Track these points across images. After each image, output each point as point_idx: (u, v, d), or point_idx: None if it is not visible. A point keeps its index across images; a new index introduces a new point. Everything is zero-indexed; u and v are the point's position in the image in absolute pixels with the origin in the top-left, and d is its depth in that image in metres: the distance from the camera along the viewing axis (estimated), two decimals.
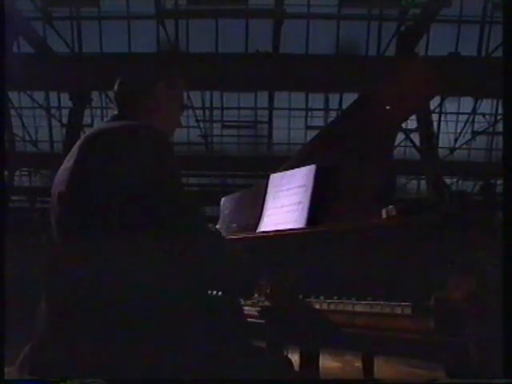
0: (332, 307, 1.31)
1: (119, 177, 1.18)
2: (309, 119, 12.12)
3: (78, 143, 1.31)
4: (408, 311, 1.14)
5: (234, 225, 2.02)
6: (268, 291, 1.43)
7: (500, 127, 10.53)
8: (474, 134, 11.44)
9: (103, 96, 11.03)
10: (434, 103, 10.18)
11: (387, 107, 1.77)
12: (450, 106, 11.44)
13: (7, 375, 1.30)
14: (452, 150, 11.20)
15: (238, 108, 12.22)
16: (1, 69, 1.82)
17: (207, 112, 12.20)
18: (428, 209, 1.30)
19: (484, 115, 11.43)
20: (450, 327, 1.06)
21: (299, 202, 1.72)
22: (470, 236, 1.15)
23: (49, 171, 11.72)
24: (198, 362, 1.17)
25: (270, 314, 1.46)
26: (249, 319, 1.50)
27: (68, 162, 1.29)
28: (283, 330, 1.45)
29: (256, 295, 1.48)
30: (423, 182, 11.67)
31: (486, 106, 11.29)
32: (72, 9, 10.13)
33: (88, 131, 1.37)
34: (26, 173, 13.14)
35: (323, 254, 1.48)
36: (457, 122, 11.71)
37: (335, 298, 1.32)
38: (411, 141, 9.78)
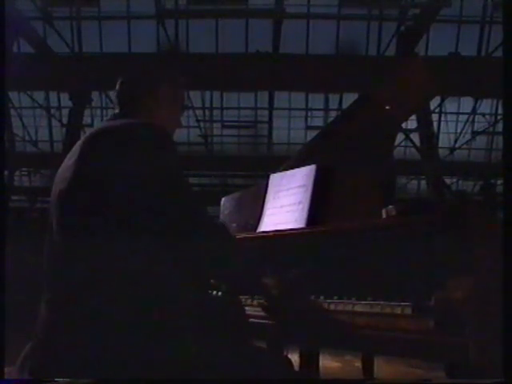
0: (332, 307, 1.31)
1: (122, 175, 1.18)
2: (309, 119, 12.13)
3: (80, 142, 1.30)
4: (408, 311, 1.14)
5: (234, 225, 2.01)
6: (268, 291, 1.43)
7: (500, 127, 10.53)
8: (474, 133, 11.44)
9: (103, 96, 11.03)
10: (434, 103, 10.18)
11: (387, 107, 1.77)
12: (450, 106, 11.45)
13: (7, 375, 1.30)
14: (452, 149, 11.20)
15: (238, 108, 12.23)
16: (1, 69, 1.82)
17: (207, 112, 12.20)
18: (428, 209, 1.30)
19: (484, 115, 11.43)
20: (450, 327, 1.06)
21: (299, 202, 1.72)
22: (470, 236, 1.15)
23: (49, 171, 11.72)
24: (198, 362, 1.17)
25: (270, 313, 1.46)
26: (249, 319, 1.50)
27: (69, 161, 1.28)
28: (283, 329, 1.45)
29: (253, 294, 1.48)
30: (423, 182, 11.68)
31: (486, 106, 11.31)
32: (72, 9, 10.13)
33: (90, 130, 1.37)
34: (26, 173, 13.14)
35: (323, 253, 1.48)
36: (457, 121, 11.71)
37: (335, 297, 1.32)
38: (411, 141, 9.79)
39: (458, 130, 11.46)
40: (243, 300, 1.53)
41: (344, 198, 1.62)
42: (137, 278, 1.15)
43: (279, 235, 1.65)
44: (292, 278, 1.46)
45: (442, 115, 11.65)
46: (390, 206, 1.38)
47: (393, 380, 2.34)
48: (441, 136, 11.53)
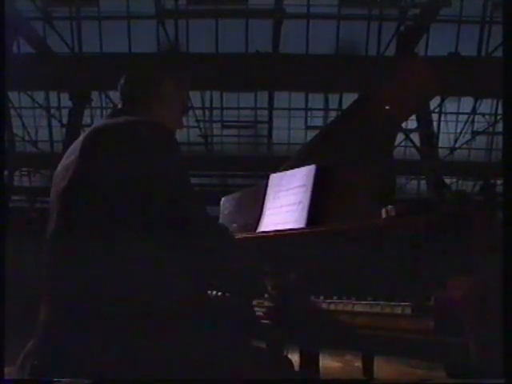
0: (332, 307, 1.31)
1: (123, 174, 1.17)
2: (309, 119, 12.13)
3: (81, 139, 1.29)
4: (408, 311, 1.14)
5: (234, 225, 2.01)
6: (268, 291, 1.43)
7: (500, 127, 10.53)
8: (474, 133, 11.44)
9: (103, 96, 11.02)
10: (434, 103, 10.18)
11: (387, 107, 1.77)
12: (450, 106, 11.45)
13: (7, 375, 1.30)
14: (452, 149, 11.20)
15: (238, 108, 12.23)
16: (1, 69, 1.82)
17: (207, 112, 12.20)
18: (428, 209, 1.30)
19: (484, 115, 11.43)
20: (450, 327, 1.06)
21: (299, 202, 1.72)
22: (470, 236, 1.15)
23: (49, 171, 11.72)
24: (198, 362, 1.17)
25: (270, 313, 1.46)
26: (249, 319, 1.50)
27: (69, 158, 1.27)
28: (283, 329, 1.45)
29: (258, 295, 1.48)
30: (423, 182, 11.68)
31: (486, 106, 11.30)
32: (72, 9, 10.13)
33: (91, 126, 1.35)
34: (26, 173, 13.14)
35: (323, 253, 1.48)
36: (457, 121, 11.71)
37: (335, 297, 1.32)
38: (411, 141, 9.79)
39: (458, 130, 11.46)
40: (243, 300, 1.53)
41: (344, 197, 1.62)
42: (137, 277, 1.15)
43: (279, 235, 1.65)
44: (292, 278, 1.46)
45: (442, 115, 11.65)
46: (390, 206, 1.38)
47: (393, 380, 2.34)
48: (441, 136, 11.53)
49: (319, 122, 11.90)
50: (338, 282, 1.39)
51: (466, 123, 11.28)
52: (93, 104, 11.18)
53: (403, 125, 7.70)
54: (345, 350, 3.33)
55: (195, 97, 11.29)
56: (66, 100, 10.74)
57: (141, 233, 1.15)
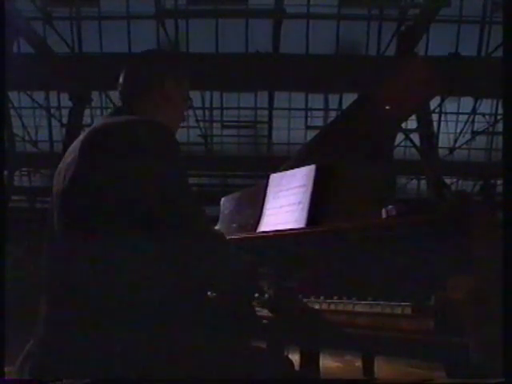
0: (332, 307, 1.31)
1: (124, 173, 1.16)
2: (309, 119, 12.12)
3: (81, 138, 1.28)
4: (408, 311, 1.14)
5: (234, 225, 2.01)
6: (268, 291, 1.43)
7: (500, 127, 10.53)
8: (474, 133, 11.44)
9: (103, 96, 11.02)
10: (434, 103, 10.18)
11: (387, 107, 1.77)
12: (450, 106, 11.44)
13: (7, 375, 1.30)
14: (452, 149, 11.20)
15: (238, 108, 12.22)
16: (1, 69, 1.82)
17: (207, 112, 12.19)
18: (428, 209, 1.30)
19: (484, 115, 11.43)
20: (450, 327, 1.06)
21: (299, 202, 1.72)
22: (470, 236, 1.15)
23: (49, 171, 11.72)
24: (198, 362, 1.17)
25: (270, 313, 1.45)
26: (249, 319, 1.50)
27: (69, 158, 1.26)
28: (283, 329, 1.45)
29: (256, 295, 1.48)
30: (423, 182, 11.68)
31: (486, 106, 11.30)
32: (72, 9, 10.13)
33: (91, 126, 1.34)
34: (26, 173, 13.14)
35: (323, 254, 1.48)
36: (457, 121, 11.71)
37: (335, 298, 1.32)
38: (411, 141, 9.77)
39: (458, 130, 11.46)
40: (242, 301, 1.53)
41: (344, 197, 1.62)
42: (137, 278, 1.15)
43: (279, 235, 1.65)
44: (292, 278, 1.46)
45: (442, 115, 11.65)
46: (390, 206, 1.38)
47: (393, 380, 2.34)
48: (441, 136, 11.52)
49: (319, 121, 11.89)
50: (338, 282, 1.39)
51: (465, 123, 11.28)
52: (93, 104, 11.17)
53: (403, 125, 7.69)
54: (345, 350, 3.33)
55: (195, 97, 11.29)
56: (65, 100, 10.72)
57: (140, 233, 1.15)
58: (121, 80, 1.44)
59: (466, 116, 11.31)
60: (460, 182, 12.57)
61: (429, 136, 9.13)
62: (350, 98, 9.43)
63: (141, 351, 1.11)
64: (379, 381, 2.10)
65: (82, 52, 10.28)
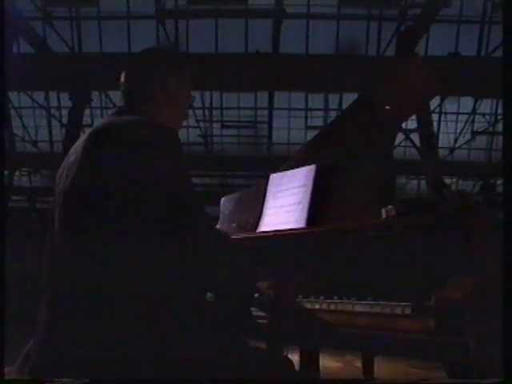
0: (332, 307, 1.31)
1: (126, 173, 1.16)
2: (309, 119, 12.11)
3: (84, 138, 1.27)
4: (408, 311, 1.14)
5: (234, 225, 2.01)
6: (268, 291, 1.43)
7: (500, 127, 10.53)
8: (474, 134, 11.43)
9: (103, 96, 11.02)
10: (434, 103, 10.18)
11: (387, 107, 1.77)
12: (450, 106, 11.44)
13: (7, 375, 1.30)
14: (452, 149, 11.20)
15: (238, 108, 12.21)
16: (1, 69, 1.82)
17: (207, 112, 12.19)
18: (428, 209, 1.30)
19: (484, 115, 11.42)
20: (450, 327, 1.06)
21: (299, 202, 1.72)
22: (470, 236, 1.15)
23: (49, 171, 11.72)
24: (198, 362, 1.17)
25: (270, 313, 1.46)
26: (249, 319, 1.50)
27: (71, 158, 1.26)
28: (283, 329, 1.45)
29: (256, 295, 1.48)
30: (423, 182, 11.67)
31: (486, 106, 11.30)
32: (72, 9, 10.12)
33: (94, 126, 1.33)
34: (26, 173, 13.13)
35: (323, 254, 1.48)
36: (457, 121, 11.71)
37: (335, 297, 1.32)
38: (411, 141, 9.78)
39: (458, 130, 11.46)
40: (242, 301, 1.53)
41: (344, 197, 1.62)
42: (137, 278, 1.15)
43: (279, 235, 1.65)
44: (292, 278, 1.46)
45: (442, 115, 11.65)
46: (390, 206, 1.38)
47: (393, 380, 2.34)
48: (441, 136, 11.52)
49: (319, 121, 11.88)
50: (338, 282, 1.39)
51: (465, 123, 11.27)
52: (93, 104, 11.17)
53: (403, 125, 7.69)
54: (345, 350, 3.33)
55: (195, 97, 11.27)
56: (66, 100, 10.72)
57: (142, 233, 1.15)
58: (122, 80, 1.44)
59: (466, 116, 11.31)
60: (460, 181, 12.57)
61: (429, 136, 9.13)
62: (350, 98, 9.42)
63: (141, 351, 1.11)
64: (379, 381, 2.10)
65: (82, 52, 10.27)
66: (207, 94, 11.80)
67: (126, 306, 1.13)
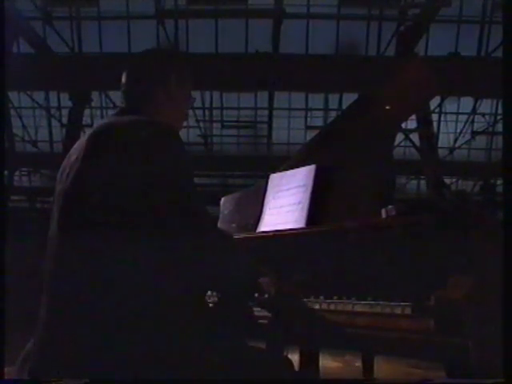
0: (332, 307, 1.31)
1: (127, 174, 1.16)
2: (308, 119, 12.11)
3: (85, 138, 1.27)
4: (408, 311, 1.14)
5: (234, 225, 2.01)
6: (268, 291, 1.43)
7: (500, 127, 10.53)
8: (474, 134, 11.44)
9: (103, 96, 11.02)
10: (434, 103, 10.18)
11: (387, 107, 1.78)
12: (450, 106, 11.44)
13: (7, 375, 1.30)
14: (452, 149, 11.20)
15: (238, 108, 12.21)
16: (1, 69, 1.82)
17: (207, 112, 12.19)
18: (428, 209, 1.30)
19: (484, 115, 11.42)
20: (449, 327, 1.06)
21: (299, 202, 1.72)
22: (470, 236, 1.15)
23: (49, 171, 11.71)
24: (198, 362, 1.17)
25: (270, 313, 1.46)
26: (249, 319, 1.50)
27: (72, 158, 1.26)
28: (283, 329, 1.45)
29: (256, 295, 1.48)
30: (423, 182, 11.68)
31: (486, 106, 11.30)
32: (72, 9, 10.13)
33: (94, 126, 1.33)
34: (26, 173, 13.13)
35: (323, 254, 1.48)
36: (456, 121, 11.71)
37: (335, 297, 1.32)
38: (411, 141, 9.78)
39: (458, 130, 11.46)
40: (241, 301, 1.53)
41: (344, 197, 1.62)
42: (138, 278, 1.15)
43: (279, 235, 1.65)
44: (292, 278, 1.46)
45: (442, 115, 11.65)
46: (390, 206, 1.38)
47: (393, 380, 2.34)
48: (441, 136, 11.52)
49: (319, 121, 11.89)
50: (338, 282, 1.39)
51: (465, 123, 11.28)
52: (93, 104, 11.17)
53: (403, 125, 7.70)
54: (345, 350, 3.33)
55: (195, 97, 11.27)
56: (66, 100, 10.73)
57: (143, 233, 1.15)
58: (123, 80, 1.43)
59: (466, 116, 11.31)
60: (460, 181, 12.57)
61: (429, 136, 9.13)
62: (350, 98, 9.43)
63: (141, 351, 1.11)
64: (379, 381, 2.10)
65: (82, 52, 10.27)
66: (207, 94, 11.81)
67: (126, 306, 1.12)
